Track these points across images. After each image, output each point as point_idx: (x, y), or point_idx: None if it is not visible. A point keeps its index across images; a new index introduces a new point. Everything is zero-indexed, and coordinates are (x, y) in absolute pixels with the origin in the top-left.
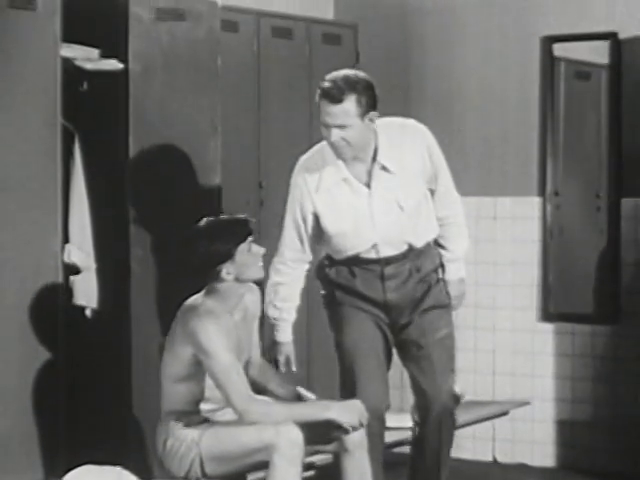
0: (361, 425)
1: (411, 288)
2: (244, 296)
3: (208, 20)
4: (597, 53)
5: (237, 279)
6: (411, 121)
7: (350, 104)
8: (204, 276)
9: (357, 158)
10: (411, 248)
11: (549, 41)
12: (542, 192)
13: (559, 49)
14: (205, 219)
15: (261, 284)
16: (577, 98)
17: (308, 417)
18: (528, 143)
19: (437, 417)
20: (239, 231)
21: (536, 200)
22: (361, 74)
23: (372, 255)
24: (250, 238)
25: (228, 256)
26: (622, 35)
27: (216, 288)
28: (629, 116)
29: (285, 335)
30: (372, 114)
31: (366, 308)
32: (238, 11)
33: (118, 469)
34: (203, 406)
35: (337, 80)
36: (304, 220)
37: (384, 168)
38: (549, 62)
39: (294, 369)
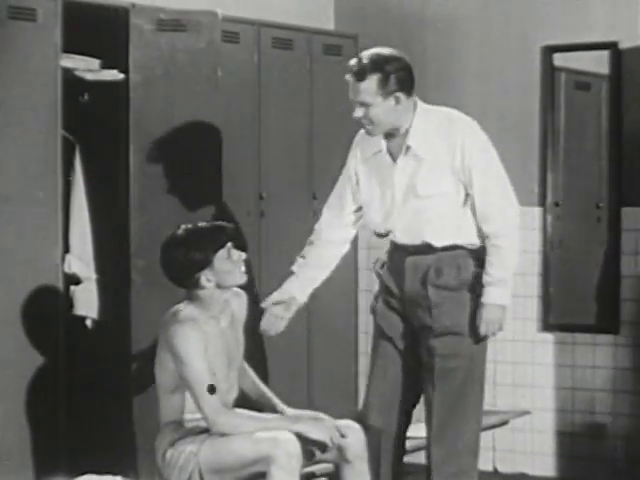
0: (332, 442)
1: (427, 288)
2: (230, 301)
3: (209, 31)
4: (597, 63)
5: (218, 286)
6: (460, 113)
7: (372, 83)
8: (183, 284)
9: (392, 135)
10: (429, 246)
11: (549, 51)
12: (542, 203)
13: (559, 59)
14: (183, 226)
15: (247, 288)
16: (577, 108)
17: (277, 430)
18: (528, 153)
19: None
20: (216, 238)
21: (536, 211)
22: (396, 54)
23: (396, 240)
24: (229, 244)
25: (206, 263)
26: (622, 45)
27: (198, 295)
28: (629, 126)
29: (286, 286)
30: (399, 95)
31: (389, 319)
32: (239, 22)
33: (118, 478)
34: (198, 414)
35: (363, 58)
36: (350, 180)
37: (409, 148)
38: (549, 72)
39: (273, 328)
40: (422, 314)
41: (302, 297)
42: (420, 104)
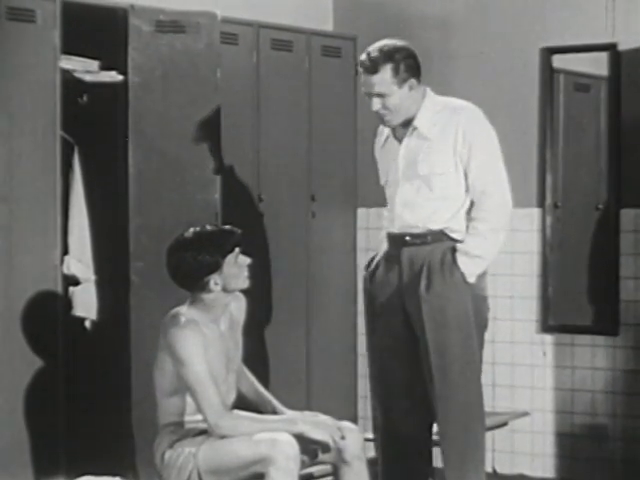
0: (334, 442)
1: (420, 281)
2: (229, 304)
3: (208, 32)
4: (597, 65)
5: (224, 289)
6: (467, 102)
7: (385, 74)
8: (191, 287)
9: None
10: (423, 234)
11: (548, 52)
12: (542, 204)
13: (558, 61)
14: (191, 229)
15: (245, 292)
16: (576, 110)
17: (278, 431)
18: (527, 155)
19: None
20: (226, 242)
21: (535, 212)
22: (400, 43)
23: (393, 228)
24: (237, 249)
25: (216, 267)
26: (622, 47)
27: (202, 298)
28: (628, 128)
29: None
30: (412, 81)
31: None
32: (238, 23)
33: (117, 479)
34: (197, 416)
35: (372, 52)
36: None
37: (415, 129)
38: (548, 74)
39: None
40: (415, 306)
41: None
42: (429, 92)
